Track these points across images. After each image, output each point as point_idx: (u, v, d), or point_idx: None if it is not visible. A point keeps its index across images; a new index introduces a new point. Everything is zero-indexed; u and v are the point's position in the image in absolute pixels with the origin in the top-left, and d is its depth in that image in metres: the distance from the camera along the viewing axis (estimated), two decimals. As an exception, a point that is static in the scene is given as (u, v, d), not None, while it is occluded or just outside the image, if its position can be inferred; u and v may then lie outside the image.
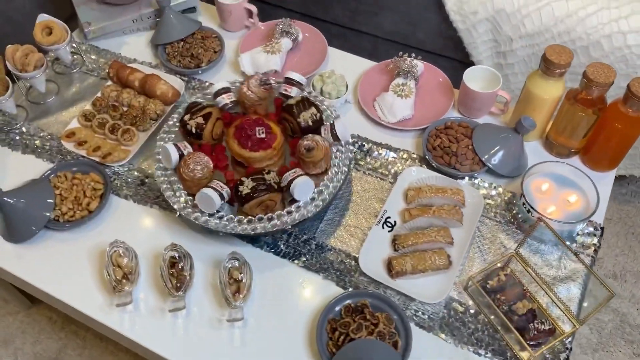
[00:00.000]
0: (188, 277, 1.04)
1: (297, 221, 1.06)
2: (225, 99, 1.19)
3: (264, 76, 1.19)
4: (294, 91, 1.19)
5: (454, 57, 1.76)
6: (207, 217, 1.07)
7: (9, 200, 1.09)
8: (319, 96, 1.26)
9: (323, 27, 1.73)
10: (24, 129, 1.31)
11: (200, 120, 1.13)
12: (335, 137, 1.12)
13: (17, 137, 1.30)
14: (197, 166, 1.07)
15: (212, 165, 1.09)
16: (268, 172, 1.07)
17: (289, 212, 1.06)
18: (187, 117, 1.15)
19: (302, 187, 1.05)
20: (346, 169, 1.13)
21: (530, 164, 1.22)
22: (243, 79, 1.27)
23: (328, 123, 1.14)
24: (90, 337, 1.53)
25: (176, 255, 1.06)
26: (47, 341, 1.53)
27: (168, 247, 1.06)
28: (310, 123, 1.13)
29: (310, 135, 1.10)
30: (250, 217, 1.06)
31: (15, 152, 1.28)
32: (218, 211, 1.07)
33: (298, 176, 1.06)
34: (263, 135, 1.12)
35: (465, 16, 1.58)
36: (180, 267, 1.04)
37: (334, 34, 1.88)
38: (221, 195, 1.05)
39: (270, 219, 1.06)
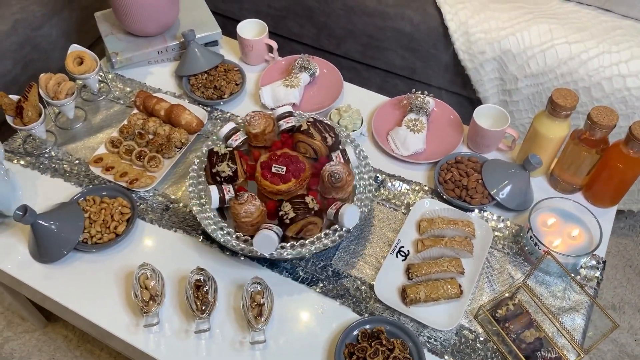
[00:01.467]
0: (212, 300, 1.09)
1: (320, 250, 1.12)
2: (235, 141, 1.26)
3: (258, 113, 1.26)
4: (292, 120, 1.26)
5: (461, 93, 1.84)
6: (242, 245, 1.13)
7: (42, 222, 1.14)
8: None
9: (335, 60, 1.82)
10: (53, 153, 1.37)
11: (230, 164, 1.17)
12: (347, 162, 1.19)
13: (46, 162, 1.36)
14: (252, 207, 1.11)
15: (263, 207, 1.14)
16: (307, 195, 1.13)
17: (314, 241, 1.12)
18: (216, 168, 1.18)
19: (350, 215, 1.10)
20: (369, 202, 1.19)
21: (536, 198, 1.28)
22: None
23: (338, 151, 1.21)
24: (105, 356, 1.57)
25: (201, 278, 1.11)
26: (63, 359, 1.56)
27: (194, 271, 1.11)
28: (331, 142, 1.21)
29: (333, 162, 1.16)
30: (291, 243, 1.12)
31: (45, 175, 1.33)
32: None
33: (341, 206, 1.12)
34: (282, 172, 1.17)
35: (473, 55, 1.66)
36: (205, 291, 1.09)
37: (345, 67, 1.97)
38: (277, 234, 1.11)
39: (302, 245, 1.11)
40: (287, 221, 1.10)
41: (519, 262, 1.20)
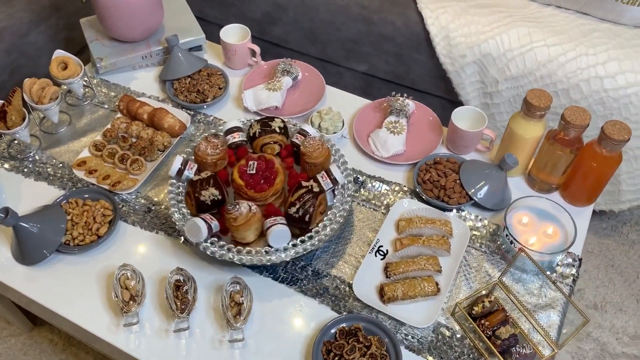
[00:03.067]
0: (192, 300, 1.11)
1: (297, 255, 1.13)
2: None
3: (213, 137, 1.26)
4: (240, 135, 1.29)
5: (443, 96, 1.86)
6: (216, 249, 1.13)
7: (24, 224, 1.15)
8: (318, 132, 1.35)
9: (319, 65, 1.84)
10: (37, 157, 1.39)
11: (213, 191, 1.17)
12: (334, 182, 1.18)
13: (30, 165, 1.37)
14: (244, 210, 1.12)
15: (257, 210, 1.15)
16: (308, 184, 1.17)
17: (290, 247, 1.14)
18: (198, 193, 1.17)
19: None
20: (345, 212, 1.20)
21: (513, 198, 1.30)
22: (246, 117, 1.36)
23: (323, 171, 1.20)
24: (90, 359, 1.58)
25: (181, 278, 1.12)
26: (48, 363, 1.57)
27: (174, 271, 1.13)
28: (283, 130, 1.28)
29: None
30: (256, 249, 1.13)
31: (28, 179, 1.35)
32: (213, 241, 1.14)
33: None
34: (253, 172, 1.19)
35: (454, 59, 1.69)
36: (184, 290, 1.10)
37: (330, 72, 1.99)
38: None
39: (273, 253, 1.13)
40: (306, 217, 1.14)
41: (496, 260, 1.22)
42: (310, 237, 1.15)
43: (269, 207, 1.19)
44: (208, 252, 1.13)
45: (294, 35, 1.96)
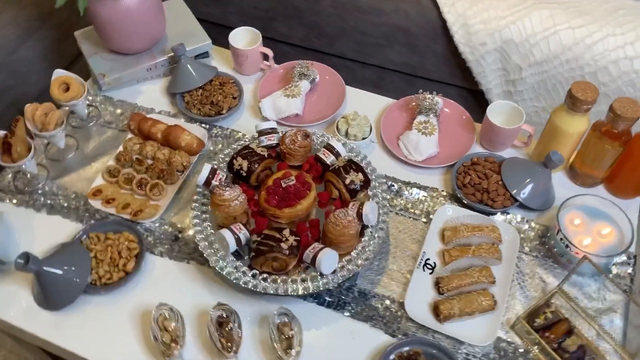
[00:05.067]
0: (238, 337, 1.03)
1: (349, 275, 1.06)
2: (268, 140, 1.20)
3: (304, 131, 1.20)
4: (330, 158, 1.18)
5: (461, 85, 1.79)
6: (249, 279, 1.06)
7: (48, 269, 1.06)
8: (343, 139, 1.28)
9: (328, 60, 1.75)
10: (46, 188, 1.29)
11: (251, 163, 1.15)
12: (360, 217, 1.08)
13: (41, 198, 1.27)
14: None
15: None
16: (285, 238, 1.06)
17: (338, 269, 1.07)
18: (239, 160, 1.16)
19: (327, 261, 1.03)
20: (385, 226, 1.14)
21: (557, 195, 1.24)
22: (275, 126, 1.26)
23: (358, 201, 1.11)
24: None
25: (223, 314, 1.05)
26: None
27: (215, 307, 1.05)
28: (358, 186, 1.13)
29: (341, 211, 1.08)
30: (302, 277, 1.06)
31: (41, 213, 1.25)
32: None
33: (320, 250, 1.04)
34: (291, 183, 1.12)
35: (474, 47, 1.61)
36: (229, 328, 1.03)
37: (338, 67, 1.88)
38: (238, 239, 1.06)
39: (323, 277, 1.06)
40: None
41: (549, 264, 1.16)
42: (358, 254, 1.08)
43: (301, 226, 1.12)
44: (249, 286, 1.05)
45: (297, 31, 1.86)
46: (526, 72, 1.60)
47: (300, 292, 1.04)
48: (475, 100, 1.77)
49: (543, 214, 1.24)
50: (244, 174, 1.16)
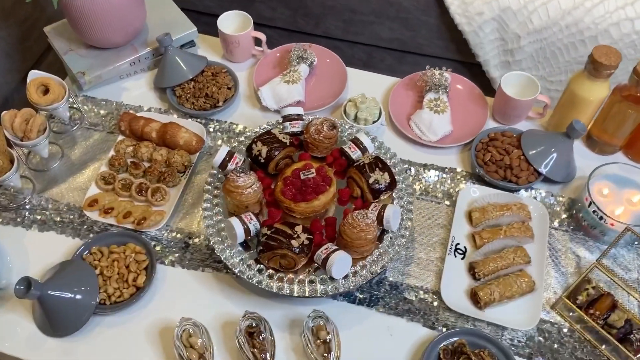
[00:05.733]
0: (271, 345, 0.95)
1: (381, 271, 0.99)
2: (292, 127, 1.12)
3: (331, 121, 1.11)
4: (356, 153, 1.09)
5: (454, 59, 1.73)
6: (275, 282, 0.98)
7: (52, 293, 0.96)
8: (355, 125, 1.20)
9: (312, 40, 1.65)
10: (34, 202, 1.17)
11: (271, 150, 1.08)
12: (380, 221, 1.01)
13: (29, 214, 1.15)
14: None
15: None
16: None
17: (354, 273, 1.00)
18: (259, 144, 1.09)
19: (339, 265, 0.96)
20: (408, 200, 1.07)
21: (579, 165, 1.20)
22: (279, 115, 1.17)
23: (380, 203, 1.04)
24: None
25: (253, 323, 0.97)
26: None
27: (243, 317, 0.97)
28: (383, 187, 1.05)
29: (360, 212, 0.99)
30: (309, 278, 0.99)
31: (32, 230, 1.13)
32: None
33: (332, 252, 0.96)
34: (311, 175, 1.05)
35: (471, 18, 1.55)
36: (262, 338, 0.95)
37: (325, 47, 1.80)
38: (247, 230, 0.99)
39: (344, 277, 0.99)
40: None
41: (580, 237, 1.12)
42: (373, 261, 1.01)
43: (315, 223, 1.05)
44: (274, 290, 0.97)
45: (281, 12, 1.76)
46: (524, 41, 1.55)
47: (330, 292, 0.97)
48: (470, 73, 1.71)
49: (566, 186, 1.20)
50: (262, 161, 1.08)
